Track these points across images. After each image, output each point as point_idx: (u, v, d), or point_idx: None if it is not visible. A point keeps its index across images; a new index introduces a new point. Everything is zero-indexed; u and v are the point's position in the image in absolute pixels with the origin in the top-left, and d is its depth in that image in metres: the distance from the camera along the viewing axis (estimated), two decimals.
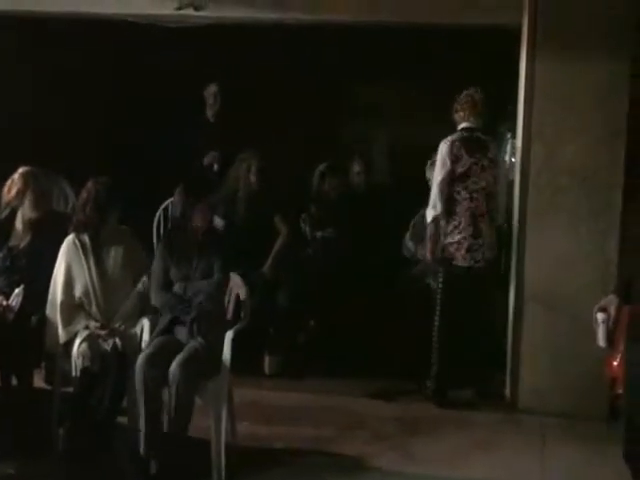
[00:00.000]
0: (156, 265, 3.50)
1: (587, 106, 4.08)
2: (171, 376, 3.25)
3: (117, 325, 3.50)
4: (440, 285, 4.22)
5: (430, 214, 4.21)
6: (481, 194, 4.20)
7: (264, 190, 4.70)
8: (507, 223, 4.47)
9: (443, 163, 4.18)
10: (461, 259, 4.18)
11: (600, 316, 2.76)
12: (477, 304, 4.23)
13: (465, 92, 4.30)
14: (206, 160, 5.14)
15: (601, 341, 2.79)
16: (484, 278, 4.24)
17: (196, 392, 3.30)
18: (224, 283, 3.59)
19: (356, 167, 5.27)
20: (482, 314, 4.28)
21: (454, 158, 4.17)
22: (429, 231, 4.23)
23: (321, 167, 5.04)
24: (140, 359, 3.28)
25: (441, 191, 4.17)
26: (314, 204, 4.98)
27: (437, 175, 4.20)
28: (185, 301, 3.46)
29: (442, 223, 4.22)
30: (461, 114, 4.27)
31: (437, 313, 4.24)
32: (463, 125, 4.27)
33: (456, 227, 4.19)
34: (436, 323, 4.24)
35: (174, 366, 3.27)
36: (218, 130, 5.20)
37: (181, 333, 3.43)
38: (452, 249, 4.19)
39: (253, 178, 4.70)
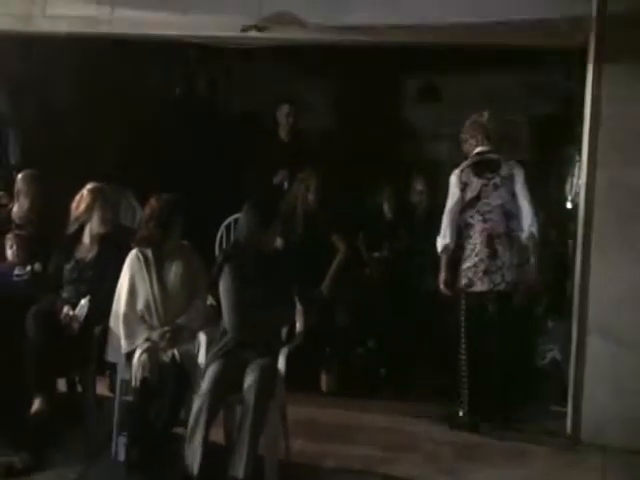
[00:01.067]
0: (227, 289, 3.50)
1: None
2: (248, 395, 3.30)
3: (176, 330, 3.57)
4: (462, 315, 4.13)
5: (440, 243, 4.15)
6: (497, 213, 4.11)
7: (322, 209, 4.76)
8: (564, 245, 4.37)
9: (452, 193, 4.16)
10: (479, 283, 4.09)
11: None
12: (506, 330, 4.09)
13: (469, 119, 4.25)
14: (276, 179, 5.25)
15: None
16: (509, 301, 4.11)
17: (268, 410, 3.33)
18: (293, 306, 3.64)
19: (418, 186, 5.27)
20: (514, 339, 4.12)
21: (462, 186, 4.15)
22: (442, 261, 4.15)
23: (385, 194, 5.04)
24: (208, 380, 3.32)
25: (451, 220, 4.14)
26: (371, 224, 5.01)
27: (447, 205, 4.17)
28: (255, 326, 3.49)
29: (454, 251, 4.13)
30: (471, 142, 4.23)
31: (462, 345, 4.13)
32: (475, 151, 4.22)
33: (472, 250, 4.12)
34: (462, 356, 4.12)
35: (250, 384, 3.32)
36: (290, 149, 5.30)
37: (247, 352, 3.47)
38: (470, 274, 4.11)
39: (311, 197, 4.77)
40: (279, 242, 4.43)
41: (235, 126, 5.61)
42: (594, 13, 4.04)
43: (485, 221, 4.12)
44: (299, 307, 3.71)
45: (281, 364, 3.49)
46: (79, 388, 3.88)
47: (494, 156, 4.19)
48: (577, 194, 4.58)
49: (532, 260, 4.07)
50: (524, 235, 4.11)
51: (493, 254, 4.08)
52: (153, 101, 5.65)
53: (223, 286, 3.51)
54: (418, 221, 5.11)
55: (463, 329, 4.14)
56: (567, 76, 4.57)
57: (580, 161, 4.42)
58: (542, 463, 3.82)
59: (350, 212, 5.07)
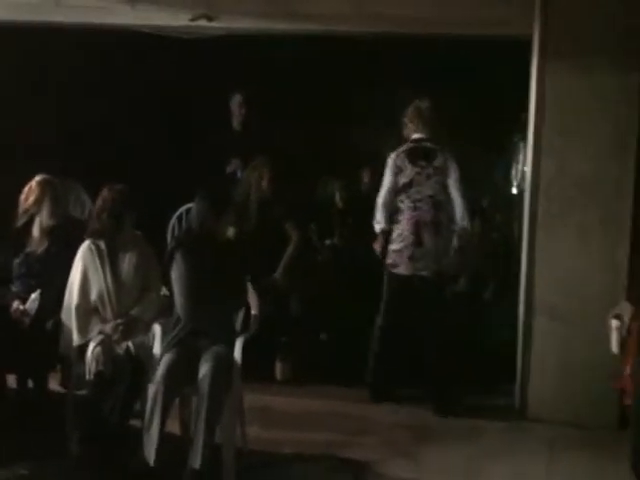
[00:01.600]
0: (179, 275, 3.48)
1: (597, 117, 4.10)
2: (203, 384, 3.29)
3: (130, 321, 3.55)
4: (385, 292, 4.30)
5: (376, 227, 4.31)
6: (426, 203, 4.22)
7: (276, 197, 4.76)
8: (509, 230, 4.51)
9: (386, 177, 4.28)
10: (403, 267, 4.23)
11: (614, 323, 2.78)
12: (429, 313, 4.22)
13: (412, 104, 4.33)
14: (229, 168, 5.23)
15: (614, 348, 2.81)
16: (433, 288, 4.24)
17: (225, 397, 3.33)
18: (245, 294, 3.64)
19: (365, 177, 5.33)
20: (440, 323, 4.24)
21: (397, 170, 4.25)
22: (379, 241, 4.31)
23: (336, 185, 5.09)
24: (162, 369, 3.31)
25: (383, 203, 4.27)
26: (323, 213, 5.05)
27: (382, 188, 4.29)
28: (209, 311, 3.49)
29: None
30: (410, 126, 4.32)
31: (380, 315, 4.31)
32: (413, 137, 4.31)
33: (399, 235, 4.25)
34: (377, 324, 4.31)
35: (205, 374, 3.31)
36: (242, 138, 5.29)
37: (200, 341, 3.46)
38: (395, 257, 4.26)
39: (265, 184, 4.76)
40: (232, 231, 4.43)
41: (187, 116, 5.55)
42: (538, 3, 4.14)
43: (415, 209, 4.22)
44: (253, 293, 3.71)
45: (237, 353, 3.49)
46: (30, 384, 3.80)
47: (430, 145, 4.27)
48: (522, 180, 4.72)
49: (461, 250, 4.22)
50: (456, 227, 4.24)
51: (419, 242, 4.21)
52: (101, 91, 5.54)
53: (175, 273, 3.50)
54: (367, 210, 5.16)
55: (383, 305, 4.30)
56: (513, 65, 4.67)
57: (525, 148, 4.55)
58: (493, 439, 3.94)
59: (303, 201, 5.08)
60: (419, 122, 4.27)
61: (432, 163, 4.21)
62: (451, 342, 4.23)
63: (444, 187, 4.21)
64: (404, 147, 4.29)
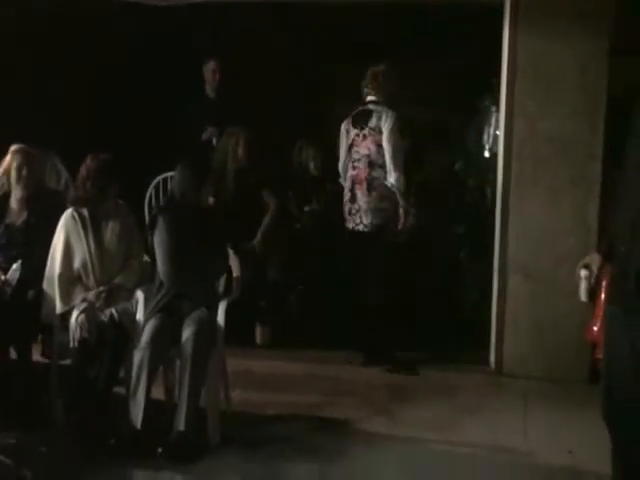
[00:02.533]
0: (161, 240, 3.52)
1: (568, 80, 4.17)
2: (186, 348, 3.33)
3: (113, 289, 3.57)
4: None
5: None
6: (362, 162, 4.40)
7: (252, 164, 4.76)
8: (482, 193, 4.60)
9: (340, 140, 4.54)
10: (347, 222, 4.50)
11: (583, 272, 2.85)
12: (370, 266, 4.43)
13: (369, 69, 4.46)
14: (204, 135, 5.20)
15: (583, 296, 2.87)
16: (366, 241, 4.43)
17: (209, 360, 3.38)
18: (226, 258, 3.68)
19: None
20: (374, 277, 4.43)
21: (345, 133, 4.50)
22: None
23: (299, 142, 5.12)
24: (146, 334, 3.35)
25: (340, 166, 4.57)
26: (299, 179, 5.07)
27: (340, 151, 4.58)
28: (191, 277, 3.52)
29: None
30: (365, 90, 4.47)
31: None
32: (365, 100, 4.47)
33: (344, 194, 4.54)
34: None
35: (187, 338, 3.35)
36: (217, 106, 5.28)
37: (183, 306, 3.50)
38: (344, 213, 4.54)
39: (241, 152, 4.75)
40: (211, 198, 4.44)
41: (161, 83, 5.48)
42: None
43: (353, 168, 4.45)
44: (234, 258, 3.75)
45: (220, 317, 3.54)
46: (13, 354, 3.81)
47: (373, 107, 4.42)
48: (495, 143, 4.78)
49: (398, 206, 4.37)
50: (389, 184, 4.38)
51: (353, 198, 4.44)
52: (80, 57, 5.45)
53: (157, 239, 3.53)
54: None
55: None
56: (485, 28, 4.70)
57: (498, 111, 4.61)
58: (469, 395, 4.06)
59: (279, 168, 5.09)
60: (372, 86, 4.43)
61: (368, 124, 4.39)
62: (386, 296, 4.40)
63: (379, 146, 4.38)
64: (353, 112, 4.48)
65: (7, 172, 3.82)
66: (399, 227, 4.37)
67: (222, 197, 4.44)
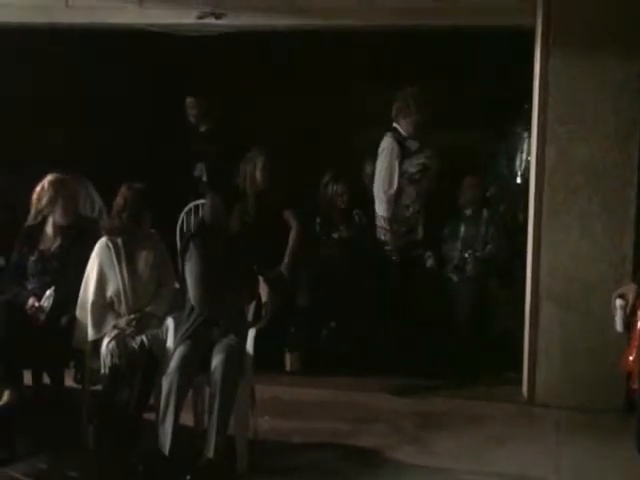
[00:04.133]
0: (192, 266, 3.57)
1: (600, 105, 4.15)
2: (215, 375, 3.36)
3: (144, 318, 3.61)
4: None
5: None
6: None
7: (271, 186, 4.78)
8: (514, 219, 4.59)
9: None
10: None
11: (618, 302, 2.83)
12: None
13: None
14: (195, 172, 5.24)
15: (619, 326, 2.85)
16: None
17: (238, 387, 3.41)
18: (257, 285, 3.72)
19: (368, 169, 5.35)
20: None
21: None
22: None
23: (326, 178, 5.13)
24: (176, 360, 3.38)
25: None
26: (327, 206, 5.09)
27: None
28: (221, 302, 3.56)
29: None
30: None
31: None
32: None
33: None
34: None
35: (217, 365, 3.38)
36: (205, 140, 5.28)
37: (213, 333, 3.54)
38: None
39: (259, 175, 4.79)
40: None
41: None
42: None
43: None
44: (263, 284, 3.78)
45: (249, 344, 3.57)
46: (46, 379, 3.88)
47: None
48: (526, 169, 4.76)
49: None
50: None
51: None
52: (106, 90, 5.59)
53: (188, 265, 3.59)
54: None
55: None
56: (516, 54, 4.71)
57: (529, 137, 4.59)
58: (500, 425, 4.01)
59: (302, 191, 5.10)
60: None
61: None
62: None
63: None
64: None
65: (45, 201, 3.89)
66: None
67: (244, 222, 4.49)
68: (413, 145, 4.52)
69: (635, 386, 3.23)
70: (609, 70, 4.12)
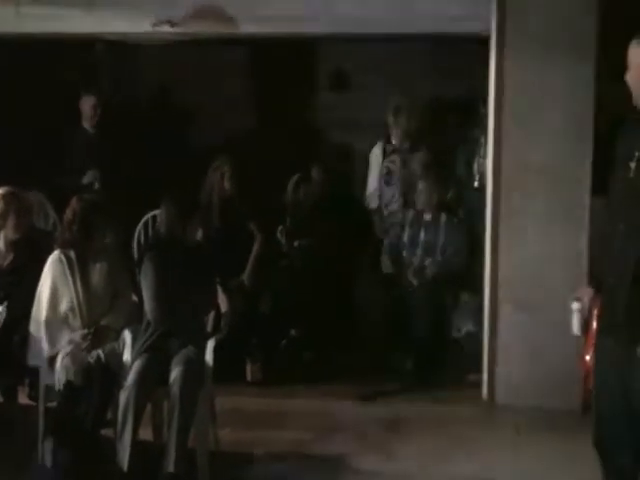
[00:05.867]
0: (148, 278, 3.54)
1: (554, 109, 4.21)
2: (174, 388, 3.33)
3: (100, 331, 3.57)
4: None
5: None
6: None
7: (238, 196, 4.79)
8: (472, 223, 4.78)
9: None
10: None
11: (575, 305, 2.86)
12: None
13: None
14: (85, 179, 5.05)
15: (575, 329, 2.88)
16: None
17: (198, 400, 3.38)
18: (215, 295, 3.69)
19: (315, 175, 5.36)
20: None
21: None
22: None
23: (295, 178, 5.15)
24: (133, 374, 3.35)
25: None
26: (290, 214, 5.09)
27: None
28: (178, 314, 3.53)
29: None
30: None
31: None
32: None
33: None
34: None
35: (175, 377, 3.35)
36: (98, 144, 5.15)
37: (171, 345, 3.51)
38: None
39: (227, 184, 4.79)
40: (199, 233, 4.46)
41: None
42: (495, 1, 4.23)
43: None
44: (222, 294, 3.76)
45: (209, 355, 3.55)
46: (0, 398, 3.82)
47: None
48: (483, 174, 4.82)
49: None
50: None
51: None
52: (60, 102, 5.49)
53: (144, 277, 3.56)
54: (334, 209, 5.22)
55: None
56: (471, 62, 4.77)
57: (486, 142, 4.65)
58: (463, 428, 4.05)
59: (267, 201, 5.12)
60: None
61: None
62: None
63: None
64: None
65: None
66: None
67: (208, 231, 4.47)
68: (388, 148, 5.10)
69: (591, 385, 3.30)
70: (562, 74, 4.18)
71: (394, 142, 5.11)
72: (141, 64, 5.69)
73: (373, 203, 5.23)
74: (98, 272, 3.67)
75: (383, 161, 5.14)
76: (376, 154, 5.19)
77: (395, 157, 5.09)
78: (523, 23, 4.19)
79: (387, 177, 5.08)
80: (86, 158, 5.10)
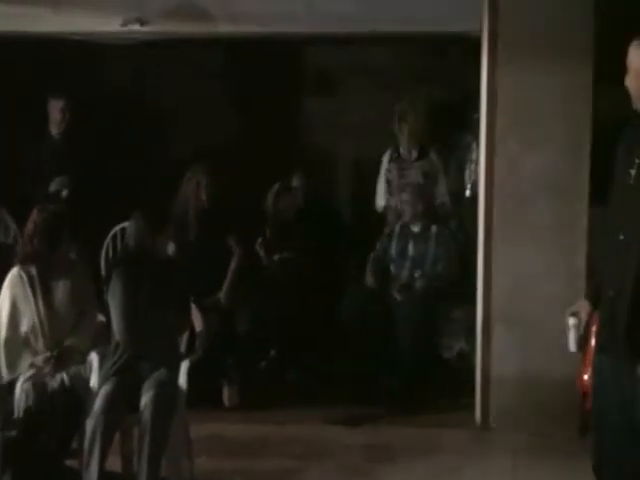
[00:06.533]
0: (116, 296, 3.52)
1: (550, 114, 4.24)
2: (144, 414, 3.31)
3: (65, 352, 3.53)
4: None
5: None
6: None
7: (216, 208, 4.77)
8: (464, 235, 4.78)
9: None
10: None
11: (571, 321, 2.86)
12: None
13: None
14: (52, 186, 4.99)
15: (572, 346, 2.87)
16: None
17: (171, 427, 3.35)
18: (189, 314, 3.67)
19: (294, 182, 5.39)
20: None
21: None
22: None
23: (276, 187, 5.15)
24: (101, 400, 3.32)
25: None
26: (269, 225, 5.08)
27: None
28: (149, 335, 3.51)
29: None
30: None
31: None
32: None
33: None
34: None
35: (146, 403, 3.33)
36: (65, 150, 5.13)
37: (141, 368, 3.49)
38: None
39: (203, 195, 4.77)
40: (171, 247, 4.44)
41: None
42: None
43: None
44: (197, 312, 3.74)
45: (182, 378, 3.53)
46: None
47: None
48: (475, 182, 4.85)
49: None
50: None
51: None
52: (26, 105, 5.46)
53: (111, 293, 3.53)
54: (316, 219, 5.22)
55: None
56: (462, 63, 4.80)
57: (478, 148, 4.67)
58: (454, 455, 4.04)
59: (246, 211, 5.11)
60: None
61: None
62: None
63: None
64: None
65: None
66: None
67: (183, 246, 4.45)
68: (393, 156, 5.17)
69: (589, 406, 3.31)
70: (559, 77, 4.21)
71: (401, 150, 5.13)
72: (111, 66, 5.66)
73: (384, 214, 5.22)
74: (62, 289, 3.64)
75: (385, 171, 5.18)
76: (383, 162, 5.20)
77: (392, 166, 5.11)
78: (516, 23, 4.22)
79: (387, 187, 5.11)
80: (53, 166, 5.07)
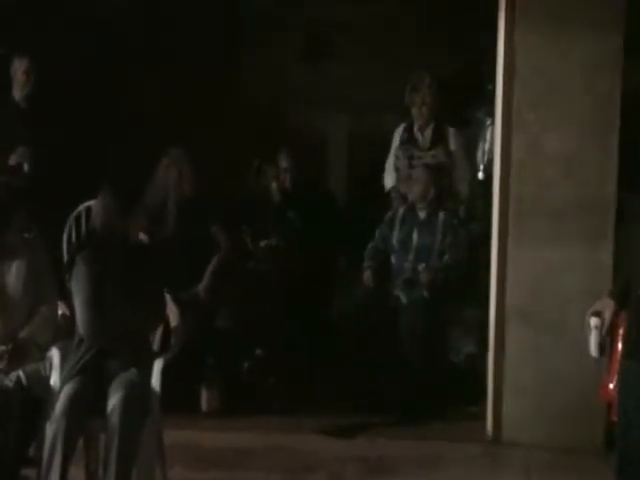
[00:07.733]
0: (80, 284, 3.51)
1: (575, 86, 4.26)
2: (112, 418, 3.31)
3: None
4: None
5: None
6: None
7: (199, 197, 4.81)
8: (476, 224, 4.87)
9: None
10: None
11: (593, 321, 2.86)
12: None
13: None
14: (12, 159, 4.98)
15: (593, 350, 2.89)
16: None
17: (142, 433, 3.37)
18: (163, 307, 3.67)
19: (282, 163, 5.40)
20: None
21: None
22: None
23: (256, 163, 5.18)
24: (63, 401, 3.31)
25: None
26: (254, 210, 5.09)
27: None
28: (118, 328, 3.51)
29: None
30: None
31: None
32: None
33: None
34: None
35: (114, 405, 3.33)
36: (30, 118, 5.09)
37: (109, 366, 3.49)
38: None
39: (187, 186, 4.80)
40: (144, 239, 4.44)
41: None
42: None
43: None
44: (173, 306, 3.75)
45: (155, 379, 3.53)
46: None
47: None
48: (490, 164, 4.86)
49: None
50: None
51: None
52: None
53: (75, 283, 3.52)
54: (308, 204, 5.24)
55: None
56: (475, 26, 4.81)
57: (493, 125, 4.68)
58: (463, 470, 4.07)
59: (232, 199, 5.13)
60: None
61: None
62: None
63: None
64: None
65: None
66: None
67: (161, 235, 4.46)
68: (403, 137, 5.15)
69: (615, 418, 3.33)
70: (584, 44, 4.22)
71: (415, 128, 5.11)
72: (83, 15, 5.61)
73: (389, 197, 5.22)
74: (15, 273, 3.62)
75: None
76: (394, 138, 5.19)
77: (399, 152, 5.11)
78: None
79: (396, 166, 5.13)
80: (15, 134, 5.03)
